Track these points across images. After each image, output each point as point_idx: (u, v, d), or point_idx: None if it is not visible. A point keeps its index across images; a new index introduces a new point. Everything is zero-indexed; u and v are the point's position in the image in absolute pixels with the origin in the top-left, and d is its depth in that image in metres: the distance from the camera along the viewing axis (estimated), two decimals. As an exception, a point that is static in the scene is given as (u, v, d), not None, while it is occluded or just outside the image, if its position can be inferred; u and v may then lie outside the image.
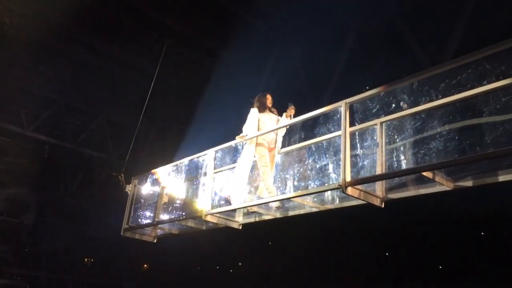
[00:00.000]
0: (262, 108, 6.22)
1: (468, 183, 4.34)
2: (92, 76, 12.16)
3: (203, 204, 6.27)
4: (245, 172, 5.98)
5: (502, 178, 4.09)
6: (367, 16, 8.36)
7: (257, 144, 5.98)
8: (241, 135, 6.01)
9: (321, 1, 8.21)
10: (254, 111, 6.20)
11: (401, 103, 4.64)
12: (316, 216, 5.80)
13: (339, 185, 4.68)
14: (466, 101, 4.14)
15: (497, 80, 3.79)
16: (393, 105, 4.73)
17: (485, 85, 3.88)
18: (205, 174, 6.53)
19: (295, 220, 6.21)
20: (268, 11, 9.27)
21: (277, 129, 6.02)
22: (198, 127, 11.10)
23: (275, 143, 6.10)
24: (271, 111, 6.29)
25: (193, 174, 7.13)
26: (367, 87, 5.60)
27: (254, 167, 6.13)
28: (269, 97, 6.34)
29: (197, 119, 11.42)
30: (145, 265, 23.52)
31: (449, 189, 4.43)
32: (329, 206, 5.51)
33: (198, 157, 6.76)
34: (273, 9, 9.21)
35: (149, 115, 12.12)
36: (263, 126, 6.08)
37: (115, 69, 11.65)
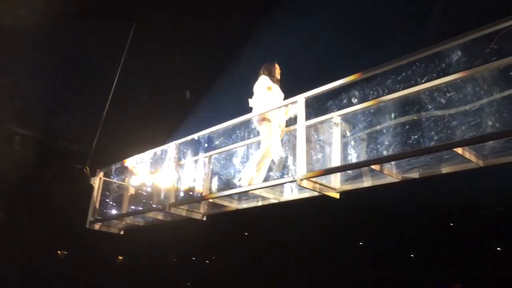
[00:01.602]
0: (272, 78, 5.49)
1: (415, 175, 4.54)
2: (63, 66, 11.97)
3: (167, 196, 6.35)
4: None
5: (445, 170, 4.30)
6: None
7: (264, 119, 5.31)
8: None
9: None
10: (265, 78, 5.43)
11: (353, 99, 4.80)
12: (285, 207, 5.95)
13: (294, 178, 4.84)
14: (412, 97, 4.34)
15: (438, 77, 3.98)
16: (345, 100, 4.88)
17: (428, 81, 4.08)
18: (169, 167, 6.59)
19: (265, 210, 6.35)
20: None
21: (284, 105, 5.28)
22: (174, 116, 11.12)
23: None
24: (278, 83, 5.54)
25: (159, 166, 7.18)
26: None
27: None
28: (277, 66, 5.61)
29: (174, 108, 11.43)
30: (120, 258, 23.49)
31: (397, 180, 4.62)
32: (288, 198, 5.67)
33: (163, 149, 6.79)
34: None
35: (120, 105, 12.00)
36: (275, 99, 5.36)
37: (86, 57, 11.47)
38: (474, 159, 4.07)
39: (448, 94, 4.39)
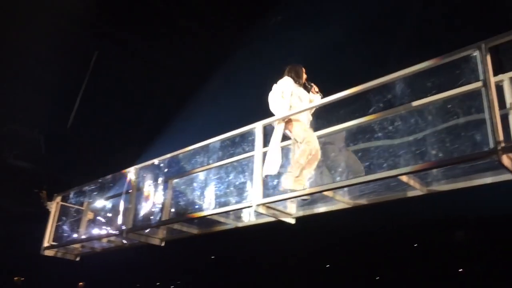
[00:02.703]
0: (298, 81, 5.10)
1: (364, 201, 4.71)
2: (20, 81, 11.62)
3: (125, 221, 6.30)
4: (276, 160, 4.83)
5: (392, 197, 4.51)
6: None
7: (295, 120, 4.86)
8: (281, 106, 4.86)
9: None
10: (289, 82, 5.03)
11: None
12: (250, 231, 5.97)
13: (250, 204, 4.92)
14: (363, 125, 4.58)
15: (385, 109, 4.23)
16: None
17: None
18: (127, 192, 6.55)
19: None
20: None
21: (316, 106, 4.97)
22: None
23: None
24: (305, 87, 5.14)
25: (119, 191, 7.12)
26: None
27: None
28: (304, 70, 5.22)
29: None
30: (81, 284, 22.64)
31: (349, 206, 4.79)
32: (246, 223, 5.73)
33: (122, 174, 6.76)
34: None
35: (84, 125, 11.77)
36: (298, 104, 4.95)
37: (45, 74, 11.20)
38: (418, 187, 4.28)
39: (395, 124, 4.65)
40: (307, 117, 5.04)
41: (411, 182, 4.20)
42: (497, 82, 3.95)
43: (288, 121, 4.91)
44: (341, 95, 4.51)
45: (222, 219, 5.59)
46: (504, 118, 3.89)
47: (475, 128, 4.15)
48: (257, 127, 5.16)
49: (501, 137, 3.46)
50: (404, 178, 4.10)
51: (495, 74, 3.88)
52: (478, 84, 3.74)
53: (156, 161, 6.19)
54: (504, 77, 4.02)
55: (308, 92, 5.14)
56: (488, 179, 3.97)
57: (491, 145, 3.46)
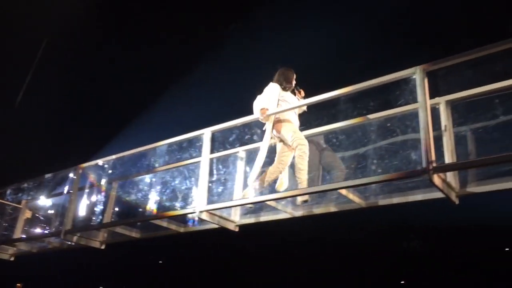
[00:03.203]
0: (287, 85, 4.97)
1: (306, 212, 4.81)
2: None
3: (65, 222, 6.08)
4: (260, 161, 4.69)
5: (332, 209, 4.63)
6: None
7: (284, 121, 4.76)
8: (262, 108, 4.72)
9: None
10: (275, 87, 4.92)
11: (254, 136, 5.04)
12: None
13: (194, 209, 4.90)
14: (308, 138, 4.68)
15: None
16: (248, 136, 5.11)
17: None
18: (68, 192, 6.34)
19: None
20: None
21: (301, 106, 4.88)
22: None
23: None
24: (294, 92, 5.04)
25: (61, 189, 6.87)
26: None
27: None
28: (294, 74, 5.09)
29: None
30: (18, 285, 21.59)
31: (291, 216, 4.86)
32: (189, 229, 5.69)
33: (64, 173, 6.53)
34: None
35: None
36: (287, 106, 4.85)
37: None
38: (357, 200, 4.42)
39: (339, 138, 4.80)
40: (297, 120, 4.92)
41: (351, 196, 4.33)
42: (434, 105, 4.18)
43: (277, 122, 4.78)
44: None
45: (164, 224, 5.51)
46: (439, 139, 4.12)
47: (413, 147, 4.36)
48: (206, 133, 5.16)
49: (433, 157, 3.63)
50: (343, 192, 4.23)
51: (433, 97, 4.11)
52: (416, 105, 3.93)
53: (100, 161, 6.03)
54: (441, 100, 4.24)
55: (295, 95, 5.03)
56: (419, 196, 4.15)
57: (424, 164, 3.63)
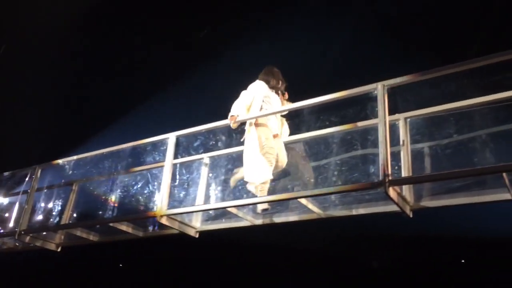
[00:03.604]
0: (273, 84, 4.82)
1: (266, 220, 4.85)
2: None
3: (20, 222, 5.89)
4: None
5: (291, 218, 4.68)
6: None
7: (258, 125, 4.60)
8: (231, 115, 4.59)
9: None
10: (261, 85, 4.76)
11: (219, 143, 5.06)
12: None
13: (154, 214, 4.85)
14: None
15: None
16: (212, 142, 5.14)
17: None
18: (25, 191, 6.16)
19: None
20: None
21: (282, 111, 4.75)
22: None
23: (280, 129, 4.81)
24: (277, 92, 4.87)
25: (17, 189, 6.67)
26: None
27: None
28: (280, 75, 4.93)
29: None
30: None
31: (251, 224, 4.89)
32: (149, 234, 5.62)
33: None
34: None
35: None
36: (268, 108, 4.68)
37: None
38: (317, 210, 4.49)
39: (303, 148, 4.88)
40: (277, 125, 4.75)
41: (310, 206, 4.39)
42: (394, 120, 4.32)
43: (254, 124, 4.62)
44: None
45: (123, 228, 5.42)
46: (398, 154, 4.25)
47: (373, 161, 4.48)
48: (170, 137, 5.14)
49: (389, 170, 3.75)
50: (303, 201, 4.29)
51: (393, 113, 4.26)
52: (376, 120, 4.05)
53: (60, 161, 5.90)
54: (400, 116, 4.39)
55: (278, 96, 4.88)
56: (375, 209, 4.26)
57: (380, 177, 3.74)
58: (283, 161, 4.69)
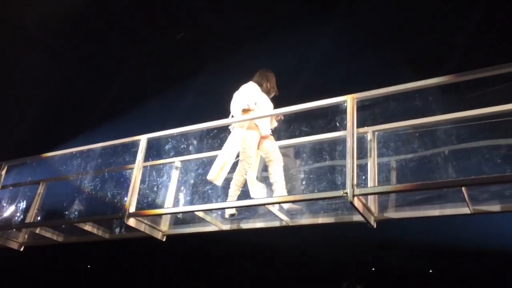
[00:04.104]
0: (266, 87, 4.80)
1: (234, 226, 4.87)
2: None
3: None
4: (228, 163, 4.56)
5: (259, 225, 4.72)
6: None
7: (248, 128, 4.56)
8: (243, 109, 4.55)
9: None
10: (254, 86, 4.76)
11: (190, 147, 5.08)
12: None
13: (121, 216, 4.81)
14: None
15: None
16: (184, 146, 5.14)
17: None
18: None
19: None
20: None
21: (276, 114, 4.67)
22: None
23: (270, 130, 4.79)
24: (270, 95, 4.86)
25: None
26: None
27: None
28: (274, 76, 4.93)
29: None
30: None
31: (219, 229, 4.90)
32: (115, 236, 5.56)
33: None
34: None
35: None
36: (259, 111, 4.65)
37: None
38: (284, 218, 4.55)
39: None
40: (268, 126, 4.71)
41: (277, 213, 4.44)
42: (363, 133, 4.43)
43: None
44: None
45: (89, 229, 5.34)
46: (365, 165, 4.36)
47: (340, 171, 4.58)
48: (142, 139, 5.11)
49: (355, 181, 3.83)
50: (270, 208, 4.34)
51: (362, 126, 4.37)
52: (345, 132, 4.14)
53: (28, 159, 5.78)
54: (369, 129, 4.50)
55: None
56: (340, 218, 4.35)
57: (346, 187, 3.82)
58: (277, 159, 4.62)
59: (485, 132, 4.07)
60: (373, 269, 12.86)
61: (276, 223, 4.62)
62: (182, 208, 4.72)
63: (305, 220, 4.55)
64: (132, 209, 4.79)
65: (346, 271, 12.56)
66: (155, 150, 5.34)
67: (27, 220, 5.73)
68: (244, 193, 4.74)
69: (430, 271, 12.61)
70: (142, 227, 4.97)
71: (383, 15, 9.19)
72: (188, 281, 12.89)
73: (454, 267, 11.42)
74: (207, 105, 9.02)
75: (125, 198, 5.30)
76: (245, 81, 4.94)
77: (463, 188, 3.59)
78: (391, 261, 11.62)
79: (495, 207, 3.75)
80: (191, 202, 5.15)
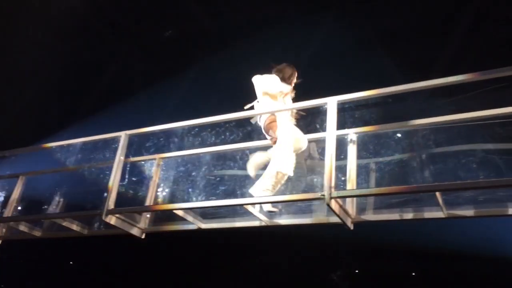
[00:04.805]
0: (286, 82, 4.61)
1: (214, 225, 4.87)
2: None
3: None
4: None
5: (238, 224, 4.72)
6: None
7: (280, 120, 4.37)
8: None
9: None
10: (275, 79, 4.54)
11: (171, 145, 5.07)
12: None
13: (100, 212, 4.77)
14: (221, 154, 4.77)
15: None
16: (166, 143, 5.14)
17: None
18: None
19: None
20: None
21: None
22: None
23: None
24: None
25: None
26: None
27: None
28: (296, 75, 4.71)
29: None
30: None
31: (197, 228, 4.89)
32: (94, 232, 5.52)
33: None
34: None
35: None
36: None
37: None
38: (263, 218, 4.55)
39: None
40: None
41: (256, 213, 4.44)
42: (343, 135, 4.44)
43: (272, 121, 4.41)
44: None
45: (67, 224, 5.29)
46: (344, 167, 4.37)
47: (319, 172, 4.58)
48: (122, 136, 5.08)
49: (333, 183, 3.84)
50: (249, 208, 4.34)
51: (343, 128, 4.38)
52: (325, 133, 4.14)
53: (7, 153, 5.72)
54: (350, 131, 4.52)
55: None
56: (317, 219, 4.36)
57: (324, 189, 3.82)
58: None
59: (463, 138, 4.12)
60: (357, 271, 12.91)
61: (256, 223, 4.63)
62: (161, 206, 4.70)
63: (283, 220, 4.56)
64: (111, 205, 4.76)
65: (330, 271, 12.61)
66: (135, 146, 5.31)
67: (5, 214, 5.66)
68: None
69: (413, 273, 12.70)
70: (121, 224, 4.94)
71: (375, 20, 9.25)
72: (172, 278, 12.88)
73: (438, 270, 11.51)
74: (196, 101, 9.02)
75: (105, 194, 5.29)
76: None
77: (437, 193, 3.63)
78: (376, 264, 11.68)
79: (469, 212, 3.79)
80: (171, 200, 5.13)
